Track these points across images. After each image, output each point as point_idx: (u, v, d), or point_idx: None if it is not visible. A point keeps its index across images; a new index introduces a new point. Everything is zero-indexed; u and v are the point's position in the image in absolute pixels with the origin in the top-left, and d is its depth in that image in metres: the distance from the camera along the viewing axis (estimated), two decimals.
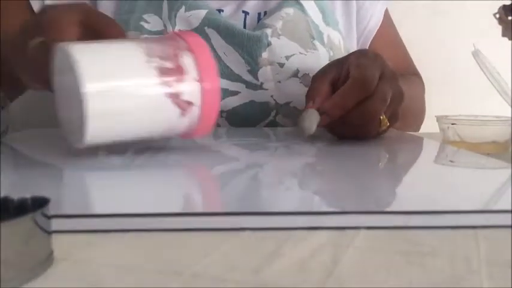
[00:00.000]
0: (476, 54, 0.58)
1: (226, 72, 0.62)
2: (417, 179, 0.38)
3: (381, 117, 0.48)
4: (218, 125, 0.64)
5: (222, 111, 0.63)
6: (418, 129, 0.75)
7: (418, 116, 0.74)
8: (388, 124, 0.49)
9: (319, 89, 0.48)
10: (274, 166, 0.42)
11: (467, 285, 0.19)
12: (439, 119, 0.58)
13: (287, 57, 0.63)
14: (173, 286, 0.19)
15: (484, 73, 0.57)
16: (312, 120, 0.45)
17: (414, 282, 0.19)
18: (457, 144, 0.55)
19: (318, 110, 0.46)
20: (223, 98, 0.62)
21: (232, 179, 0.37)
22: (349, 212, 0.26)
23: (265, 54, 0.62)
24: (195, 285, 0.19)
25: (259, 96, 0.64)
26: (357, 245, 0.23)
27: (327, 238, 0.23)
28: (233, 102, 0.63)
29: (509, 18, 0.56)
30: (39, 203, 0.20)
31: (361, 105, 0.46)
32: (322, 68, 0.52)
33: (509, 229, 0.25)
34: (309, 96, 0.48)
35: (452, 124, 0.56)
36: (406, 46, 0.80)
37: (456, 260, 0.21)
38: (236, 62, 0.62)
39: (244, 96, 0.63)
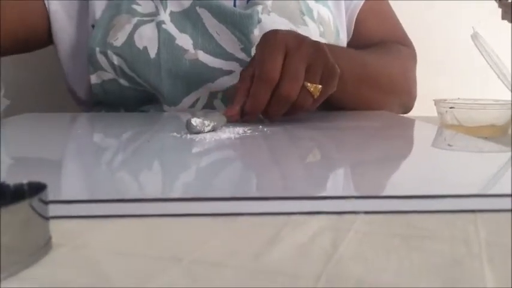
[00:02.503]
0: (475, 36, 0.57)
1: (219, 52, 0.62)
2: (415, 163, 0.38)
3: (309, 87, 0.49)
4: (214, 108, 0.64)
5: (217, 92, 0.63)
6: (403, 99, 0.73)
7: (394, 84, 0.70)
8: (320, 88, 0.49)
9: (239, 89, 0.51)
10: (270, 149, 0.42)
11: (467, 269, 0.19)
12: (437, 102, 0.58)
13: None
14: (173, 272, 0.18)
15: (483, 56, 0.57)
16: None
17: (414, 266, 0.19)
18: (455, 128, 0.54)
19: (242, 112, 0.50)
20: (217, 78, 0.62)
21: (228, 164, 0.37)
22: (347, 197, 0.26)
23: (256, 31, 0.62)
24: (195, 271, 0.19)
25: None
26: (356, 229, 0.23)
27: (325, 223, 0.23)
28: (228, 81, 0.63)
29: (509, 0, 0.56)
30: (36, 188, 0.20)
31: (275, 91, 0.48)
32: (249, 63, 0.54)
33: (509, 213, 0.25)
34: (233, 98, 0.51)
35: (451, 108, 0.55)
36: (405, 29, 0.80)
37: (456, 243, 0.21)
38: (229, 41, 0.62)
39: (238, 75, 0.63)
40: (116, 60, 0.62)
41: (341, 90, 0.53)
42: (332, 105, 0.63)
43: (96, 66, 0.64)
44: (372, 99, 0.67)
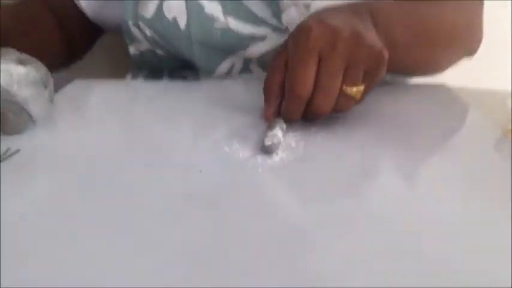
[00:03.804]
0: None
1: (250, 17, 0.59)
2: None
3: (348, 91, 0.43)
4: (251, 72, 0.63)
5: (250, 59, 0.62)
6: (467, 48, 0.64)
7: (457, 35, 0.61)
8: (363, 88, 0.44)
9: (271, 85, 0.46)
10: None
11: None
12: None
13: None
14: None
15: None
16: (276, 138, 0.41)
17: None
18: None
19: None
20: (250, 44, 0.60)
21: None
22: None
23: None
24: None
25: None
26: None
27: None
28: (262, 47, 0.61)
29: None
30: None
31: (308, 105, 0.44)
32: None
33: None
34: (265, 94, 0.46)
35: None
36: None
37: None
38: (259, 5, 0.59)
39: (272, 40, 0.61)
40: (148, 32, 0.62)
41: (391, 56, 0.46)
42: None
43: (131, 39, 0.65)
44: (429, 58, 0.59)
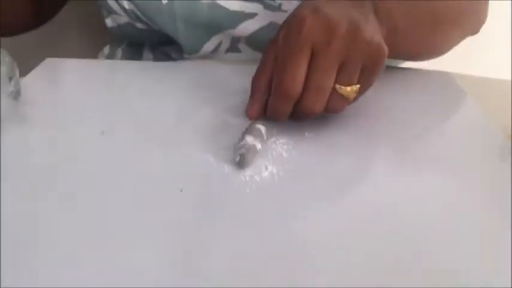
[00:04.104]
0: None
1: None
2: None
3: (341, 90, 0.39)
4: (239, 51, 0.58)
5: (240, 37, 0.57)
6: (471, 27, 0.59)
7: (462, 14, 0.56)
8: (358, 88, 0.40)
9: (258, 81, 0.41)
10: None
11: None
12: None
13: None
14: None
15: None
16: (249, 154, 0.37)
17: None
18: None
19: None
20: (240, 22, 0.55)
21: None
22: None
23: None
24: None
25: (279, 17, 0.55)
26: None
27: None
28: (252, 25, 0.56)
29: None
30: None
31: (297, 103, 0.39)
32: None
33: None
34: (252, 89, 0.42)
35: None
36: None
37: None
38: None
39: (263, 18, 0.55)
40: (126, 4, 0.56)
41: (392, 43, 0.42)
42: None
43: (108, 10, 0.59)
44: (432, 42, 0.55)
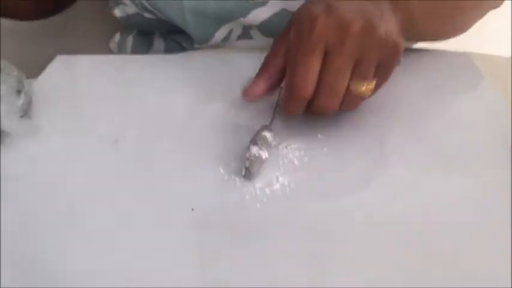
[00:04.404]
0: None
1: None
2: None
3: (356, 88, 0.38)
4: (251, 38, 0.57)
5: (251, 26, 0.55)
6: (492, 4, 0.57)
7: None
8: (374, 85, 0.38)
9: (266, 68, 0.40)
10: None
11: None
12: None
13: None
14: None
15: None
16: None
17: None
18: None
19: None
20: (250, 11, 0.53)
21: None
22: None
23: None
24: None
25: (291, 4, 0.53)
26: None
27: None
28: (263, 13, 0.54)
29: None
30: None
31: (310, 103, 0.38)
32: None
33: None
34: (259, 72, 0.41)
35: None
36: None
37: None
38: None
39: (274, 5, 0.54)
40: None
41: (410, 31, 0.41)
42: None
43: (117, 0, 0.57)
44: (451, 24, 0.52)
